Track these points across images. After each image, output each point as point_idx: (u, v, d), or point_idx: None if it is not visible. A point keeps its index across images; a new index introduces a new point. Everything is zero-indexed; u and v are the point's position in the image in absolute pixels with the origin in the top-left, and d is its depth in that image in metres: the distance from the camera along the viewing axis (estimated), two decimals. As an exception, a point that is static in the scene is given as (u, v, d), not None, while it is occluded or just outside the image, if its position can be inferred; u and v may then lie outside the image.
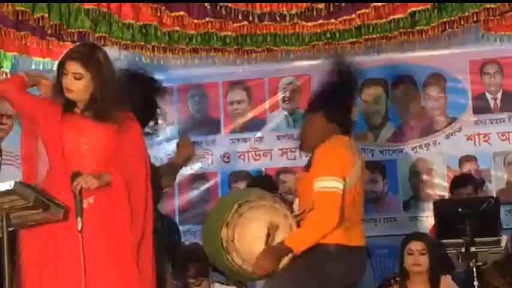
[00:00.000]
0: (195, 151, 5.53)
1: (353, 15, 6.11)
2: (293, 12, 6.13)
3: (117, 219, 4.10)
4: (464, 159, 7.15)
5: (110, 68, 4.26)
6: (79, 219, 3.99)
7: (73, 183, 4.01)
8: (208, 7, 6.08)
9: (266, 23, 6.23)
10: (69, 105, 4.19)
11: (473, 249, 5.72)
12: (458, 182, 6.64)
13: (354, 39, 6.43)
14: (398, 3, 6.05)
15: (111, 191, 4.10)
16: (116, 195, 4.09)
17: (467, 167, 7.12)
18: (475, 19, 6.14)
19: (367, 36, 6.36)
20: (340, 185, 4.41)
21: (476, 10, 6.05)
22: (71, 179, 4.02)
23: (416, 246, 5.63)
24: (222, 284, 5.86)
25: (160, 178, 4.88)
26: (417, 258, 5.60)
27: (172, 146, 5.88)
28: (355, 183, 4.51)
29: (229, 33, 6.30)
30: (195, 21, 6.14)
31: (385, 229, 7.17)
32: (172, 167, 5.15)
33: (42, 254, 4.11)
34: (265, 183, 6.76)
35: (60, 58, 4.31)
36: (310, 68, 7.31)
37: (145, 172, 4.21)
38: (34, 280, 4.13)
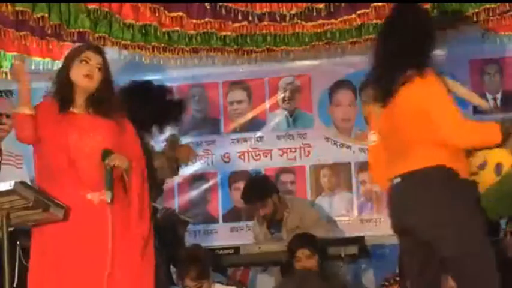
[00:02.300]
0: (194, 153, 5.59)
1: (353, 15, 6.11)
2: (293, 12, 6.13)
3: (131, 212, 4.17)
4: (464, 159, 7.14)
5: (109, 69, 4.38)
6: (109, 192, 4.06)
7: (105, 160, 4.08)
8: (208, 7, 6.08)
9: (266, 23, 6.23)
10: (65, 104, 4.23)
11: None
12: None
13: (354, 39, 6.43)
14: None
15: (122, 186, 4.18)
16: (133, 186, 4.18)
17: (467, 167, 7.11)
18: (475, 19, 6.14)
19: (367, 36, 6.36)
20: None
21: (476, 10, 6.05)
22: (102, 155, 4.10)
23: (416, 245, 5.62)
24: (223, 284, 5.86)
25: (155, 171, 4.95)
26: (417, 258, 5.59)
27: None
28: None
29: (229, 33, 6.30)
30: (194, 21, 6.14)
31: (385, 229, 7.16)
32: (170, 162, 5.23)
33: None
34: (263, 183, 6.77)
35: (73, 50, 4.37)
36: (310, 68, 7.32)
37: (142, 169, 4.27)
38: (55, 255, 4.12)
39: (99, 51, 4.31)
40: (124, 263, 4.10)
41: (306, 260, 5.87)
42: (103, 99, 4.23)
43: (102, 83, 4.25)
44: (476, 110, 7.18)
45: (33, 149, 4.30)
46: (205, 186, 7.57)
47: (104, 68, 4.28)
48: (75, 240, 4.07)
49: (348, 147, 7.31)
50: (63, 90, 4.25)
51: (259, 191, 6.59)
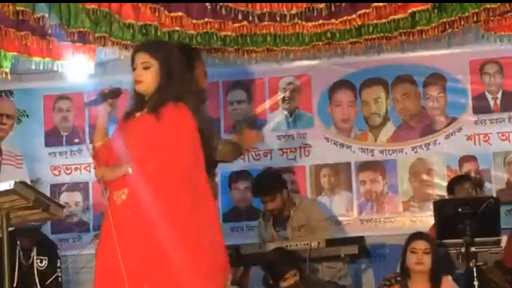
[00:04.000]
0: (260, 136, 5.50)
1: (353, 16, 6.11)
2: (293, 12, 6.13)
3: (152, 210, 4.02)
4: (464, 159, 7.15)
5: (179, 60, 4.21)
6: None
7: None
8: (209, 7, 6.08)
9: (266, 23, 6.23)
10: (133, 109, 4.16)
11: (473, 249, 5.73)
12: (455, 180, 6.67)
13: (354, 39, 6.43)
14: (399, 4, 6.05)
15: (146, 184, 4.02)
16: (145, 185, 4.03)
17: (467, 167, 7.12)
18: (475, 19, 6.14)
19: (367, 36, 6.36)
20: None
21: (477, 10, 6.06)
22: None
23: (420, 245, 5.63)
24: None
25: (214, 150, 4.90)
26: (420, 257, 5.60)
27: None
28: None
29: (229, 33, 6.30)
30: (194, 21, 6.14)
31: (385, 229, 7.17)
32: (235, 146, 5.16)
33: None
34: (275, 177, 6.76)
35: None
36: (310, 68, 7.32)
37: (183, 157, 4.06)
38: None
39: (144, 47, 4.17)
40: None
41: (292, 278, 5.86)
42: (156, 98, 4.09)
43: (164, 76, 4.10)
44: (477, 110, 7.21)
45: None
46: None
47: (159, 62, 4.09)
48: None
49: (348, 147, 7.31)
50: (133, 99, 4.21)
51: (271, 184, 6.58)
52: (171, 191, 4.02)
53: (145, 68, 4.12)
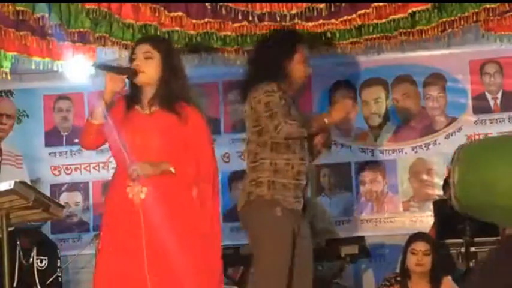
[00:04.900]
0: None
1: (353, 16, 6.11)
2: (293, 12, 6.12)
3: (178, 209, 4.07)
4: (464, 159, 7.14)
5: (179, 56, 4.21)
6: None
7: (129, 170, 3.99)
8: (209, 7, 6.07)
9: (266, 23, 6.22)
10: (132, 101, 4.12)
11: (473, 249, 5.73)
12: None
13: (354, 39, 6.43)
14: (399, 4, 6.05)
15: (168, 182, 4.06)
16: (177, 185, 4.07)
17: (467, 167, 7.11)
18: (475, 19, 6.14)
19: (367, 36, 6.36)
20: None
21: (477, 10, 6.05)
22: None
23: (420, 246, 5.63)
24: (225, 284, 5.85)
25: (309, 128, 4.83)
26: (420, 258, 5.60)
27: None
28: None
29: (229, 33, 6.29)
30: (194, 21, 6.14)
31: (385, 229, 7.17)
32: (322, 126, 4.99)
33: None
34: None
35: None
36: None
37: (210, 162, 4.20)
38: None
39: (147, 39, 4.23)
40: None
41: None
42: (164, 94, 4.07)
43: (166, 70, 4.07)
44: (477, 110, 7.21)
45: None
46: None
47: (161, 55, 4.07)
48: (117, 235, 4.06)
49: (348, 147, 7.32)
50: (129, 90, 4.16)
51: None
52: (203, 197, 4.14)
53: (147, 58, 4.07)
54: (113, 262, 4.03)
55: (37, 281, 6.47)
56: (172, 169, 4.05)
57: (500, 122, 7.13)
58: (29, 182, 4.82)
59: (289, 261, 4.68)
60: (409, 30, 6.29)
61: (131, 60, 4.11)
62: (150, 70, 4.08)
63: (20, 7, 5.81)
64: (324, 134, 5.07)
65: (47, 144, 7.55)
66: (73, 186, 7.51)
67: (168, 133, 4.07)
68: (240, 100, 5.18)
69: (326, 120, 4.91)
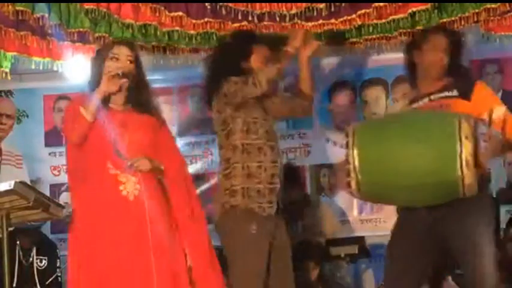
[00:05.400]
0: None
1: (353, 16, 6.11)
2: (293, 12, 6.12)
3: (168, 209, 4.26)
4: (464, 159, 7.14)
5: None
6: None
7: (128, 163, 4.12)
8: (208, 7, 6.07)
9: (266, 23, 6.22)
10: (105, 99, 4.24)
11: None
12: None
13: (354, 39, 6.43)
14: (399, 4, 6.05)
15: (156, 179, 4.22)
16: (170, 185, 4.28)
17: (467, 167, 7.11)
18: (475, 19, 6.14)
19: (367, 36, 6.36)
20: None
21: (477, 10, 6.05)
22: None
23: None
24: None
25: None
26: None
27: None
28: None
29: (229, 33, 6.29)
30: (194, 21, 6.13)
31: (385, 229, 7.16)
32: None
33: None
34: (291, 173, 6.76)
35: (98, 48, 4.39)
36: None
37: (184, 177, 4.41)
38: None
39: (124, 42, 4.40)
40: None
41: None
42: (142, 94, 4.25)
43: (138, 76, 4.26)
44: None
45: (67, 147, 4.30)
46: (206, 186, 7.56)
47: (136, 58, 4.30)
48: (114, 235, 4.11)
49: (348, 147, 7.30)
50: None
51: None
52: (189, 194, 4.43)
53: (131, 62, 4.28)
54: (110, 257, 4.09)
55: (37, 280, 6.47)
56: (162, 166, 4.19)
57: (500, 122, 7.12)
58: (29, 182, 4.83)
59: (263, 274, 4.69)
60: (409, 30, 6.29)
61: (111, 58, 4.27)
62: (133, 74, 4.30)
63: (19, 7, 5.81)
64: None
65: (47, 144, 7.55)
66: (73, 186, 7.50)
67: (150, 133, 4.19)
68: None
69: (289, 49, 5.08)
